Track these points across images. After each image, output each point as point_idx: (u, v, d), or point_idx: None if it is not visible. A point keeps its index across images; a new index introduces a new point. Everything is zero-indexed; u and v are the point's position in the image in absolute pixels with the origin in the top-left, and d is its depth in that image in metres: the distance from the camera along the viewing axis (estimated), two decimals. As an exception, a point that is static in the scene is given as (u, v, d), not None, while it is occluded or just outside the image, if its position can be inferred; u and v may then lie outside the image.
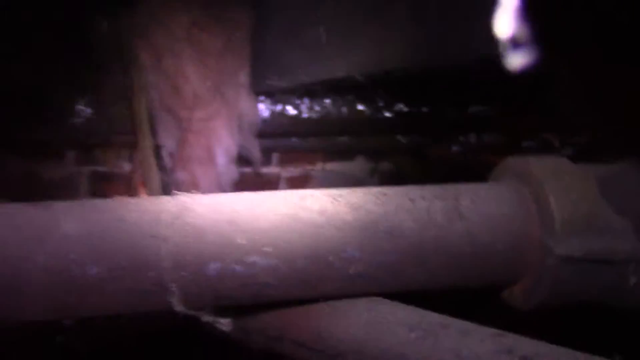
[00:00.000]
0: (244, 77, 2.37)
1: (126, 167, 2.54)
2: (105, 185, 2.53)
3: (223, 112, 2.36)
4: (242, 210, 0.62)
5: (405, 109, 2.43)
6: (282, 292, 0.63)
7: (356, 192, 0.66)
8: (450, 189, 0.69)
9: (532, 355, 0.57)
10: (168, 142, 2.28)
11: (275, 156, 2.73)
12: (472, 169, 2.54)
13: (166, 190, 2.25)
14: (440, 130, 2.51)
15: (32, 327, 0.62)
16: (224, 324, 0.64)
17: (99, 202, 0.61)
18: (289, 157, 2.74)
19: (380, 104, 2.42)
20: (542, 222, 0.68)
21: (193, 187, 2.36)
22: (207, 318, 0.63)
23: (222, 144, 2.36)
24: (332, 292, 0.64)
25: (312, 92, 2.50)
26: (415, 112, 2.45)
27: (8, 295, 0.56)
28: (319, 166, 2.76)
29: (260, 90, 2.36)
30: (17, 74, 1.74)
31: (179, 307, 0.60)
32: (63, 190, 2.49)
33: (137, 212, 0.60)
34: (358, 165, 2.79)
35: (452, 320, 0.63)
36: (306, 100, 2.63)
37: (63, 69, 2.18)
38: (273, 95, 2.53)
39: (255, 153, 2.47)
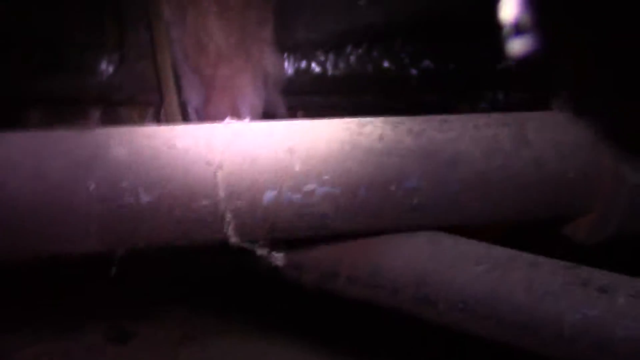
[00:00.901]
0: (268, 32, 2.33)
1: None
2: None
3: (247, 68, 2.32)
4: (298, 136, 0.58)
5: (432, 66, 2.37)
6: (340, 224, 0.60)
7: (417, 119, 0.62)
8: (517, 116, 0.65)
9: (610, 287, 0.53)
10: (193, 99, 2.25)
11: (299, 114, 2.70)
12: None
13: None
14: (467, 87, 2.45)
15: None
16: (277, 258, 0.62)
17: (148, 128, 0.58)
18: (313, 115, 2.70)
19: (406, 61, 2.37)
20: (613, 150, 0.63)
21: (218, 144, 2.34)
22: (260, 251, 0.60)
23: (247, 101, 2.33)
24: (392, 224, 0.61)
25: (337, 47, 2.45)
26: (441, 69, 2.39)
27: (61, 225, 0.53)
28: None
29: (285, 44, 2.32)
30: (37, 23, 1.71)
31: (233, 239, 0.57)
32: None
33: (188, 137, 0.57)
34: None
35: (519, 253, 0.60)
36: (331, 57, 2.58)
37: (86, 22, 2.15)
38: (298, 52, 2.49)
39: (281, 110, 2.43)
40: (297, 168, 0.57)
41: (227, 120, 0.60)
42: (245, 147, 0.57)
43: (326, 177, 0.57)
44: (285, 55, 2.42)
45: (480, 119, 0.63)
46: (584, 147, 0.64)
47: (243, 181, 0.56)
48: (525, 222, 0.66)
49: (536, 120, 0.64)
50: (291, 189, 0.57)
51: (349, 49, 2.35)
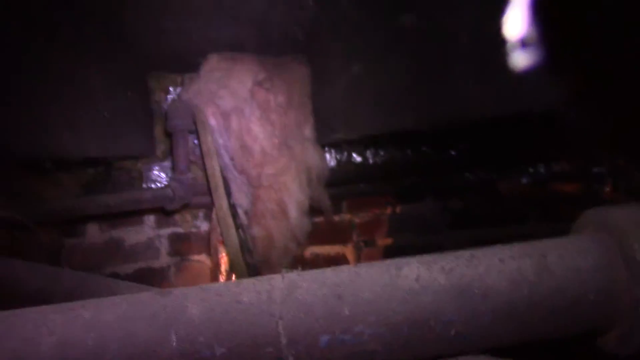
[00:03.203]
0: (308, 131, 2.46)
1: (203, 226, 2.65)
2: (185, 246, 2.64)
3: (292, 166, 2.44)
4: (345, 283, 0.67)
5: (469, 147, 2.45)
6: (388, 358, 0.67)
7: (447, 257, 0.70)
8: (537, 245, 0.72)
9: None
10: (242, 201, 2.37)
11: (345, 203, 2.79)
12: (544, 200, 2.52)
13: (243, 247, 2.34)
14: (508, 163, 2.51)
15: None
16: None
17: (217, 286, 0.68)
18: (358, 203, 2.78)
19: (445, 144, 2.45)
20: (629, 270, 0.70)
21: (268, 241, 2.44)
22: (319, 385, 0.68)
23: (293, 197, 2.44)
24: (434, 353, 0.69)
25: (375, 143, 2.55)
26: (481, 148, 2.47)
27: (149, 379, 0.63)
28: (389, 210, 2.79)
29: (326, 142, 2.44)
30: (89, 143, 1.85)
31: (294, 378, 0.66)
32: (145, 252, 2.61)
33: (251, 292, 0.66)
34: (428, 206, 2.81)
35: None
36: (371, 147, 2.69)
37: (137, 135, 2.32)
38: (339, 145, 2.61)
39: (326, 203, 2.53)
40: (346, 312, 0.65)
41: (283, 272, 0.69)
42: (301, 297, 0.66)
43: (372, 318, 0.66)
44: (327, 149, 2.54)
45: (504, 251, 0.71)
46: (602, 270, 0.71)
47: (301, 328, 0.65)
48: (555, 340, 0.72)
49: (557, 249, 0.72)
50: (343, 332, 0.65)
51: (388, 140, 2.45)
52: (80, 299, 0.90)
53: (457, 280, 0.68)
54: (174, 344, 0.63)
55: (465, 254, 0.71)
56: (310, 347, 0.65)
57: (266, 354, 0.64)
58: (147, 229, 2.60)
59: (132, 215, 2.50)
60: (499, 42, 1.29)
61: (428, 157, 2.51)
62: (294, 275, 0.69)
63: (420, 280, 0.68)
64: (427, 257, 0.71)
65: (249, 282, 0.68)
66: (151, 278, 2.58)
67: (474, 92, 1.20)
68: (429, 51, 1.32)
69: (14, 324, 0.62)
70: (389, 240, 2.80)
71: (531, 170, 2.61)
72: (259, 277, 0.69)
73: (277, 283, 0.68)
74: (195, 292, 0.67)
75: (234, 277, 2.49)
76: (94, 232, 2.56)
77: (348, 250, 2.78)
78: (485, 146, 2.42)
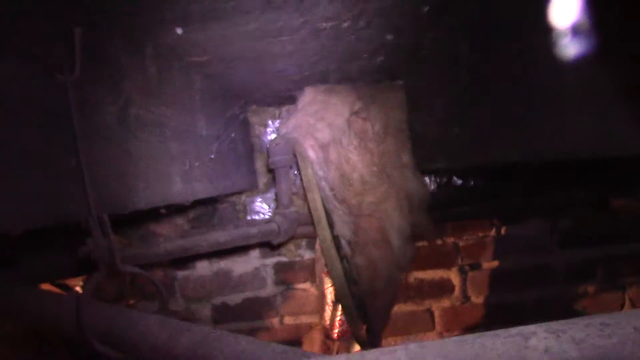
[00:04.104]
0: (407, 157, 2.44)
1: (307, 255, 2.69)
2: (290, 274, 2.69)
3: (392, 193, 2.43)
4: (469, 357, 0.65)
5: (576, 165, 2.34)
6: None
7: (577, 325, 0.67)
8: (679, 311, 0.67)
9: None
10: (344, 231, 2.38)
11: (448, 226, 2.74)
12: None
13: (348, 277, 2.35)
14: (621, 178, 2.37)
15: None
16: None
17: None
18: (461, 225, 2.73)
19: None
20: None
21: (372, 270, 2.43)
22: None
23: (395, 225, 2.42)
24: None
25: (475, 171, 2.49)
26: (593, 163, 2.35)
27: None
28: (493, 232, 2.72)
29: (426, 170, 2.41)
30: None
31: None
32: (252, 282, 2.68)
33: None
34: (535, 226, 2.71)
35: None
36: (472, 174, 2.63)
37: (242, 173, 2.38)
38: (438, 173, 2.57)
39: (428, 228, 2.50)
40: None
41: (407, 344, 0.68)
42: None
43: (500, 395, 0.63)
44: (427, 174, 2.50)
45: (638, 319, 0.66)
46: None
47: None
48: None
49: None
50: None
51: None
52: (203, 356, 0.94)
53: (589, 352, 0.64)
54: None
55: (595, 321, 0.67)
56: None
57: None
58: (253, 259, 2.67)
59: (244, 249, 2.58)
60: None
61: (528, 170, 2.42)
62: (416, 348, 0.67)
63: (549, 352, 0.64)
64: (554, 325, 0.68)
65: (372, 356, 0.67)
66: (259, 307, 2.65)
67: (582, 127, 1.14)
68: (536, 85, 1.27)
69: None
70: (495, 263, 2.73)
71: (644, 186, 2.46)
72: (384, 349, 0.68)
73: (402, 356, 0.66)
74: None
75: (340, 308, 2.50)
76: (203, 264, 2.67)
77: (452, 274, 2.73)
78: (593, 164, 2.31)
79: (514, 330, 0.68)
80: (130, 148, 1.26)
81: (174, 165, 1.50)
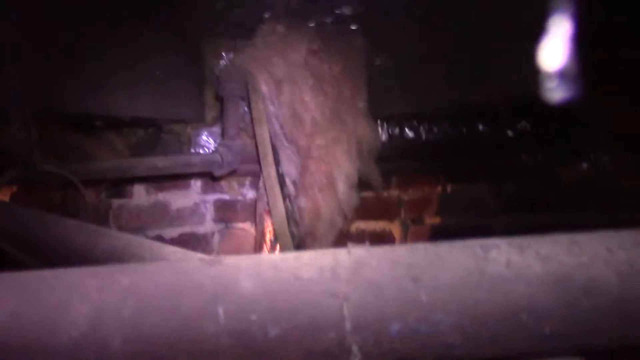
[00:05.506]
0: (361, 103, 2.36)
1: (249, 194, 2.60)
2: (230, 213, 2.60)
3: (342, 138, 2.36)
4: (422, 264, 0.58)
5: (529, 127, 2.32)
6: (468, 353, 0.58)
7: (544, 241, 0.60)
8: (652, 234, 0.61)
9: None
10: (290, 170, 2.31)
11: (394, 179, 2.69)
12: (605, 190, 2.38)
13: (290, 217, 2.28)
14: (568, 148, 2.37)
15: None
16: (400, 384, 0.60)
17: (273, 259, 0.59)
18: (408, 179, 2.69)
19: (502, 123, 2.33)
20: None
21: (315, 213, 2.37)
22: (383, 380, 0.59)
23: (343, 170, 2.36)
24: (523, 351, 0.59)
25: (431, 119, 2.45)
26: (540, 130, 2.33)
27: (193, 356, 0.54)
28: (439, 189, 2.69)
29: (380, 115, 2.34)
30: (141, 105, 1.82)
31: (358, 369, 0.57)
32: (190, 217, 2.58)
33: (313, 267, 0.57)
34: (480, 187, 2.69)
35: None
36: (425, 123, 2.58)
37: (187, 99, 2.27)
38: (392, 120, 2.50)
39: (375, 177, 2.44)
40: (423, 298, 0.56)
41: (350, 246, 0.60)
42: (370, 277, 0.57)
43: (453, 307, 0.56)
44: (379, 122, 2.44)
45: (612, 239, 0.60)
46: None
47: (369, 313, 0.56)
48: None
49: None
50: (417, 320, 0.56)
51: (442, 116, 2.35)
52: (122, 260, 0.83)
53: (555, 269, 0.57)
54: (222, 320, 0.54)
55: (563, 238, 0.60)
56: (379, 335, 0.56)
57: (327, 339, 0.55)
58: (193, 194, 2.56)
59: (179, 178, 2.47)
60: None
61: (484, 136, 2.40)
62: (361, 251, 0.59)
63: (511, 266, 0.57)
64: (518, 240, 0.61)
65: (309, 256, 0.59)
66: (195, 243, 2.55)
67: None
68: (494, 24, 1.22)
69: (44, 286, 0.55)
70: (437, 220, 2.71)
71: (592, 157, 2.46)
72: (321, 251, 0.59)
73: (343, 259, 0.58)
74: (248, 263, 0.59)
75: (278, 247, 2.43)
76: (140, 194, 2.53)
77: (394, 227, 2.70)
78: (546, 128, 2.30)
79: (473, 241, 0.61)
80: (67, 44, 1.14)
81: (117, 76, 1.38)
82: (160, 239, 2.52)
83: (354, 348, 0.56)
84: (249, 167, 2.33)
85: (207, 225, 2.59)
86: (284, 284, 0.56)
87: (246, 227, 2.60)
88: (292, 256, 0.59)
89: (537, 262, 0.58)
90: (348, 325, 0.55)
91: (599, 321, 0.57)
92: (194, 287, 0.56)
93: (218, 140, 2.50)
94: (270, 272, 0.57)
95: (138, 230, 2.53)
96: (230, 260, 0.59)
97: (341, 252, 0.59)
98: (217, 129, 2.51)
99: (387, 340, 0.56)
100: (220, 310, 0.55)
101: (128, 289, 0.55)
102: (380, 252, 0.59)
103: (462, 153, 2.53)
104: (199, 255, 0.80)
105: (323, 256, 0.59)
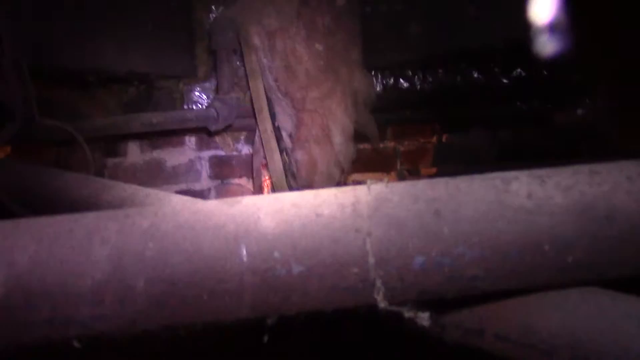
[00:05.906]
0: (356, 54, 2.33)
1: (244, 150, 2.58)
2: (226, 169, 2.58)
3: (337, 89, 2.33)
4: (443, 198, 0.57)
5: (524, 74, 2.31)
6: (490, 285, 0.58)
7: (564, 172, 0.59)
8: (673, 161, 0.61)
9: None
10: (286, 124, 2.29)
11: (389, 130, 2.68)
12: (602, 136, 2.38)
13: (287, 170, 2.27)
14: (564, 94, 2.36)
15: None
16: (424, 318, 0.60)
17: (292, 196, 0.59)
18: (403, 130, 2.68)
19: (497, 70, 2.31)
20: None
21: (312, 166, 2.36)
22: (408, 314, 0.59)
23: (338, 122, 2.34)
24: (545, 282, 0.59)
25: (426, 66, 2.42)
26: (535, 76, 2.32)
27: (216, 295, 0.54)
28: (434, 138, 2.69)
29: (374, 64, 2.32)
30: (131, 59, 1.78)
31: (382, 304, 0.57)
32: (186, 174, 2.57)
33: (333, 204, 0.57)
34: (475, 136, 2.69)
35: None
36: (419, 73, 2.56)
37: (179, 54, 2.23)
38: (386, 70, 2.48)
39: (372, 129, 2.43)
40: (445, 231, 0.55)
41: (369, 182, 0.59)
42: (392, 212, 0.56)
43: (475, 239, 0.56)
44: (374, 73, 2.42)
45: (632, 168, 0.59)
46: None
47: (392, 247, 0.55)
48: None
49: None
50: (440, 253, 0.55)
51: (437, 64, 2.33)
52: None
53: (577, 199, 0.57)
54: (245, 259, 0.54)
55: (583, 169, 0.60)
56: (402, 269, 0.56)
57: (350, 274, 0.55)
58: (188, 151, 2.54)
59: (173, 135, 2.44)
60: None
61: (478, 84, 2.38)
62: (381, 187, 0.59)
63: (533, 197, 0.57)
64: (538, 172, 0.60)
65: (329, 193, 0.58)
66: (191, 200, 2.54)
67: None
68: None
69: (63, 230, 0.54)
70: (433, 170, 2.71)
71: (588, 102, 2.46)
72: (340, 188, 0.59)
73: (363, 195, 0.58)
74: (268, 201, 0.58)
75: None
76: (135, 152, 2.51)
77: (391, 179, 2.70)
78: (540, 74, 2.28)
79: (493, 174, 0.60)
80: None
81: (108, 30, 1.34)
82: (157, 196, 2.51)
83: (378, 282, 0.55)
84: (244, 122, 2.31)
85: (203, 182, 2.57)
86: (305, 221, 0.56)
87: (242, 183, 2.58)
88: (311, 194, 0.59)
89: (559, 192, 0.57)
90: (371, 260, 0.55)
91: (621, 250, 0.57)
92: (215, 227, 0.55)
93: (211, 96, 2.47)
94: (290, 209, 0.56)
95: (133, 188, 2.52)
96: (250, 199, 0.58)
97: (361, 189, 0.59)
98: (209, 85, 2.47)
99: (410, 274, 0.56)
100: (243, 250, 0.54)
101: (148, 231, 0.54)
102: (400, 188, 0.59)
103: (457, 101, 2.51)
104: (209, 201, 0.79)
105: (343, 193, 0.58)
